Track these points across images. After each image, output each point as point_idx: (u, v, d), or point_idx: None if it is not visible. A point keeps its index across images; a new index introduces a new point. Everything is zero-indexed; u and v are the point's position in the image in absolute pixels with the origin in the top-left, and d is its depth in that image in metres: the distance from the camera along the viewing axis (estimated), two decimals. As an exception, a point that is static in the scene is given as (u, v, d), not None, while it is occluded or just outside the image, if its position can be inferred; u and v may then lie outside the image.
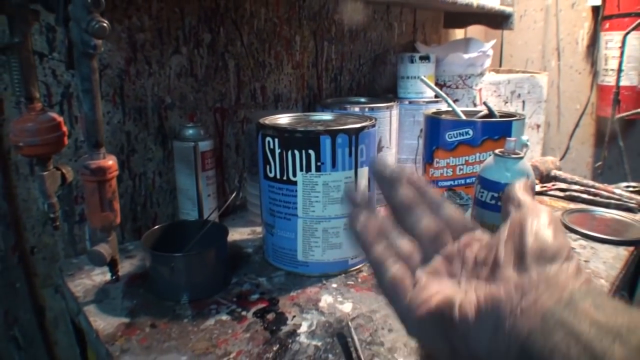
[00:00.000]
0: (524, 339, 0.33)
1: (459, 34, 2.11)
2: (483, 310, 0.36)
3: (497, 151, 0.83)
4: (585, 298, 0.33)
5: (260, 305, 0.81)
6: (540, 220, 0.38)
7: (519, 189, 0.43)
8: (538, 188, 1.37)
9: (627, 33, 1.84)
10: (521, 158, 0.81)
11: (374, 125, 0.90)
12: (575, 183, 1.38)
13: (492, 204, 0.81)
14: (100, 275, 0.90)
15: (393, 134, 1.29)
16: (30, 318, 0.99)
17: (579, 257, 0.96)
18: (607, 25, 2.12)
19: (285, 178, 0.86)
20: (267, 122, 0.91)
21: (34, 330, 1.00)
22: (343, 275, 0.91)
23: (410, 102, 1.40)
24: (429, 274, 0.42)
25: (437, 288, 0.39)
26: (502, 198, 0.44)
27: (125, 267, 0.94)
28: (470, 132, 1.01)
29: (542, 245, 0.37)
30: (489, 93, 1.67)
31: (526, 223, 0.39)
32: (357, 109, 1.23)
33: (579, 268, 0.36)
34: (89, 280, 0.89)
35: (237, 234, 1.11)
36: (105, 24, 0.66)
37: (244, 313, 0.78)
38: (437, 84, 1.54)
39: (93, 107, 0.71)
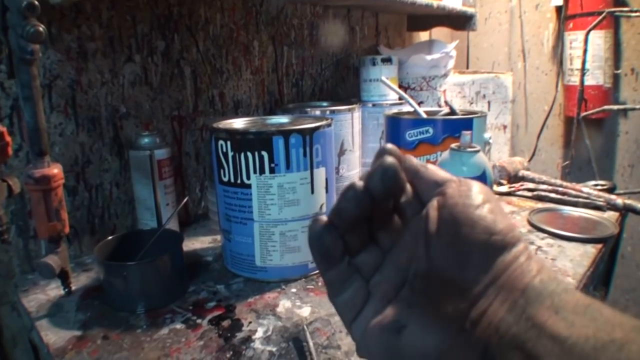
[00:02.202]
0: (479, 354, 0.31)
1: (423, 37, 2.12)
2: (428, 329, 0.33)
3: (453, 145, 0.82)
4: (544, 298, 0.30)
5: (216, 313, 0.79)
6: (473, 200, 0.33)
7: (431, 167, 0.37)
8: (506, 189, 1.36)
9: (589, 32, 1.85)
10: (477, 151, 0.80)
11: (329, 125, 0.89)
12: (544, 182, 1.37)
13: (448, 199, 0.80)
14: (55, 290, 0.87)
15: (356, 137, 1.28)
16: (-13, 338, 0.96)
17: (546, 256, 0.95)
18: (570, 25, 2.14)
19: (239, 182, 0.84)
20: (220, 125, 0.90)
21: (-9, 350, 0.97)
22: (303, 279, 0.90)
23: (373, 105, 1.39)
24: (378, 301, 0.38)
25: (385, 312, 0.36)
26: (410, 183, 0.38)
27: (82, 280, 0.92)
28: (431, 130, 1.00)
29: (483, 236, 0.32)
30: (454, 94, 1.67)
31: (456, 208, 0.33)
32: (318, 112, 1.22)
33: (530, 251, 0.33)
34: (44, 295, 0.87)
35: (198, 242, 1.09)
36: (41, 28, 0.65)
37: (199, 321, 0.76)
38: (401, 87, 1.54)
39: (34, 115, 0.70)
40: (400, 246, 0.38)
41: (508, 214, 0.35)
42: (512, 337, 0.30)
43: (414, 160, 0.38)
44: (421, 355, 0.33)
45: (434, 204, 0.34)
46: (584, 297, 0.30)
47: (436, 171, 0.37)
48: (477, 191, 0.34)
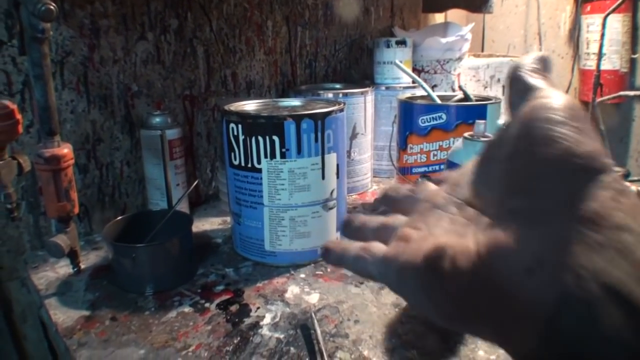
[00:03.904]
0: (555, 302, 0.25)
1: (439, 18, 2.09)
2: (484, 261, 0.27)
3: (466, 134, 0.81)
4: None
5: (225, 297, 0.79)
6: (556, 116, 0.27)
7: (526, 68, 0.31)
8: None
9: (607, 15, 1.82)
10: (490, 141, 0.79)
11: (342, 110, 0.88)
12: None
13: (460, 189, 0.79)
14: (65, 268, 0.88)
15: (368, 120, 1.27)
16: (-4, 312, 0.97)
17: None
18: (588, 8, 2.11)
19: (250, 165, 0.84)
20: (231, 108, 0.89)
21: (1, 325, 0.98)
22: (312, 265, 0.89)
23: (387, 88, 1.38)
24: (410, 226, 0.35)
25: (423, 235, 0.32)
26: (507, 83, 0.32)
27: (91, 258, 0.92)
28: (444, 116, 0.99)
29: (563, 157, 0.26)
30: (468, 78, 1.65)
31: (535, 123, 0.28)
32: (330, 95, 1.21)
33: (622, 185, 0.26)
34: (53, 272, 0.88)
35: (207, 223, 1.09)
36: (52, 7, 0.64)
37: (207, 305, 0.76)
38: (414, 69, 1.52)
39: (45, 94, 0.70)
40: None
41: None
42: (611, 285, 0.24)
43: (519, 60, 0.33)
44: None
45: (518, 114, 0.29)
46: None
47: (531, 73, 0.31)
48: (564, 105, 0.28)
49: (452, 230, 0.32)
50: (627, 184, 0.25)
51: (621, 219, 0.25)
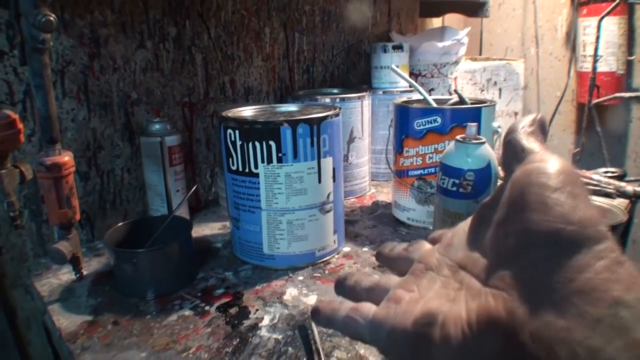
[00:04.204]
0: None
1: (436, 23, 2.11)
2: (473, 330, 0.27)
3: (458, 137, 0.82)
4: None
5: (224, 300, 0.80)
6: (550, 182, 0.27)
7: (522, 131, 0.31)
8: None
9: (602, 18, 1.84)
10: (482, 143, 0.80)
11: (337, 115, 0.89)
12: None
13: (453, 190, 0.81)
14: (67, 274, 0.89)
15: (365, 125, 1.29)
16: (1, 319, 0.98)
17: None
18: (584, 11, 2.12)
19: (247, 170, 0.85)
20: (228, 114, 0.90)
21: (5, 332, 0.99)
22: (310, 267, 0.91)
23: (384, 92, 1.39)
24: (402, 288, 0.35)
25: (414, 298, 0.33)
26: (502, 145, 0.33)
27: (93, 265, 0.94)
28: (439, 119, 1.00)
29: (557, 224, 0.25)
30: (465, 81, 1.67)
31: (529, 188, 0.27)
32: (328, 100, 1.22)
33: (618, 254, 0.25)
34: (56, 279, 0.89)
35: (207, 228, 1.11)
36: (52, 18, 0.66)
37: (207, 308, 0.78)
38: (412, 74, 1.54)
39: (46, 103, 0.71)
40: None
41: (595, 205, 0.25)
42: None
43: (515, 123, 0.33)
44: None
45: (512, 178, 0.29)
46: None
47: (526, 136, 0.31)
48: (558, 169, 0.27)
49: (443, 294, 0.32)
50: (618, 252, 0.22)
51: (618, 293, 0.24)
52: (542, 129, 0.32)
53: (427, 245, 0.39)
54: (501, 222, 0.29)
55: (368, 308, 0.35)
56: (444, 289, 0.33)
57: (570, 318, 0.24)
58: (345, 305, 0.37)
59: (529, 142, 0.30)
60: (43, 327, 0.96)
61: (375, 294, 0.37)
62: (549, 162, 0.28)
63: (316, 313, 0.40)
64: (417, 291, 0.34)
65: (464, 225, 0.36)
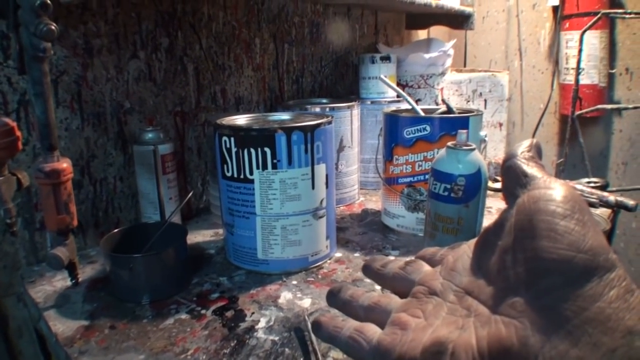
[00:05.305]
0: None
1: (422, 35, 2.14)
2: (485, 359, 0.27)
3: (449, 143, 0.84)
4: None
5: (220, 304, 0.81)
6: (559, 209, 0.26)
7: (521, 157, 0.31)
8: (501, 185, 1.38)
9: (584, 32, 1.87)
10: (472, 149, 0.82)
11: (330, 122, 0.91)
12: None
13: (445, 195, 0.83)
14: (62, 281, 0.89)
15: (355, 134, 1.31)
16: (-8, 328, 0.98)
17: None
18: (567, 25, 2.16)
19: (242, 177, 0.87)
20: (223, 122, 0.92)
21: (-4, 340, 0.99)
22: (304, 272, 0.92)
23: (372, 102, 1.41)
24: (406, 312, 0.34)
25: (421, 325, 0.32)
26: (501, 172, 0.33)
27: (87, 272, 0.94)
28: (428, 128, 1.02)
29: (568, 252, 0.25)
30: (451, 92, 1.70)
31: (537, 216, 0.27)
32: (318, 109, 1.24)
33: (629, 282, 0.25)
34: (50, 286, 0.89)
35: (200, 235, 1.12)
36: (53, 27, 0.67)
37: (203, 311, 0.79)
38: (399, 84, 1.56)
39: (45, 111, 0.72)
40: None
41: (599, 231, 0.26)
42: None
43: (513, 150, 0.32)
44: None
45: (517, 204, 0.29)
46: None
47: (526, 161, 0.31)
48: (565, 196, 0.27)
49: (452, 321, 0.31)
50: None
51: (631, 322, 0.23)
52: (539, 154, 0.32)
53: (426, 267, 0.39)
54: (508, 248, 0.29)
55: (373, 331, 0.35)
56: (451, 315, 0.32)
57: (584, 347, 0.24)
58: (348, 325, 0.37)
59: (530, 167, 0.30)
60: (36, 334, 0.96)
61: (375, 315, 0.37)
62: (555, 189, 0.28)
63: (318, 327, 0.39)
64: (423, 317, 0.33)
65: (467, 250, 0.35)
